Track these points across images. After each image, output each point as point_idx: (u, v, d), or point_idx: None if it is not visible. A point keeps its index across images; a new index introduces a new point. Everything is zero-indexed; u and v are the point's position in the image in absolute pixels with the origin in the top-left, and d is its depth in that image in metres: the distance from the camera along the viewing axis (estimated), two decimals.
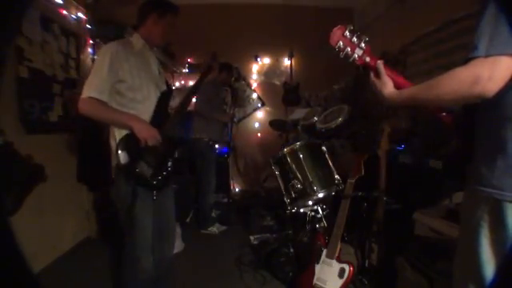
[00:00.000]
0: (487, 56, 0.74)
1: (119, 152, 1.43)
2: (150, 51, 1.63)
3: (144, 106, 1.52)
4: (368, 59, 1.04)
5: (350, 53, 1.03)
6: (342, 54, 1.03)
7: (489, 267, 0.83)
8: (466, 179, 0.93)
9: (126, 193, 1.44)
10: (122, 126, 1.47)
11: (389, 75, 1.03)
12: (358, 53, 1.03)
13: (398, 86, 1.02)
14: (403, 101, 0.99)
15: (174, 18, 1.61)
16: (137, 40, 1.59)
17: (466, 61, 0.79)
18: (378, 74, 1.04)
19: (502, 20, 0.73)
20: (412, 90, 0.97)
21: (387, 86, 1.02)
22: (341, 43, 1.02)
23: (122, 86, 1.47)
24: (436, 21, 2.58)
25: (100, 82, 1.42)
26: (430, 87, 0.88)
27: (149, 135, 1.45)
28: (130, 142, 1.44)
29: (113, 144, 1.49)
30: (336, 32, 1.03)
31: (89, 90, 1.41)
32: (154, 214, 1.52)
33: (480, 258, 0.84)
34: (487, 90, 0.75)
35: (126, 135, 1.46)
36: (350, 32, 1.02)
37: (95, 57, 2.98)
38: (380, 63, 1.03)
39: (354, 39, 1.02)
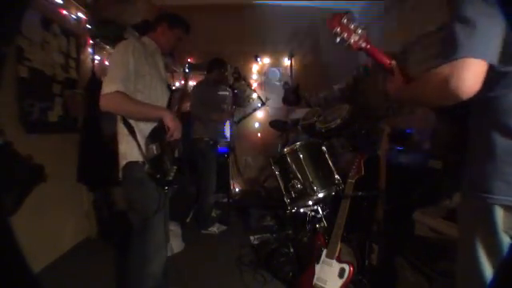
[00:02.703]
0: (453, 60, 0.76)
1: (151, 145, 1.42)
2: (160, 55, 1.69)
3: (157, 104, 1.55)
4: (364, 45, 1.07)
5: (346, 37, 1.06)
6: (338, 39, 1.07)
7: (488, 271, 0.83)
8: (461, 182, 0.93)
9: (151, 196, 1.44)
10: (151, 118, 1.47)
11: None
12: (354, 38, 1.07)
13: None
14: (400, 97, 1.08)
15: (182, 34, 1.72)
16: (149, 42, 1.64)
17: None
18: (392, 72, 1.08)
19: (469, 27, 0.75)
20: (404, 90, 1.03)
21: (397, 82, 1.06)
22: (338, 29, 1.06)
23: (140, 82, 1.47)
24: (436, 21, 2.58)
25: (125, 76, 1.40)
26: (411, 89, 0.97)
27: (177, 127, 1.48)
28: (158, 135, 1.46)
29: (123, 146, 1.48)
30: (334, 18, 1.07)
31: (114, 84, 1.36)
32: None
33: (478, 262, 0.84)
34: (460, 92, 0.76)
35: (156, 128, 1.46)
36: (347, 19, 1.06)
37: (93, 56, 2.98)
38: (394, 62, 1.07)
39: (351, 26, 1.06)
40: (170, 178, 1.48)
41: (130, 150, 1.45)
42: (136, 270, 1.50)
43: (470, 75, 0.75)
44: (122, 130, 1.48)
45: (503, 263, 0.79)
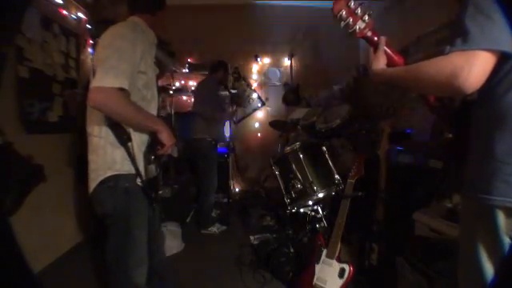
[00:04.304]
0: (467, 50, 0.73)
1: (151, 164, 1.26)
2: (155, 47, 1.44)
3: (150, 107, 1.33)
4: (369, 34, 0.99)
5: (351, 24, 0.97)
6: (342, 24, 0.97)
7: (489, 274, 0.82)
8: (462, 181, 0.91)
9: (135, 208, 1.28)
10: (145, 129, 1.28)
11: (388, 54, 1.00)
12: (359, 25, 0.97)
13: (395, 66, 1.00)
14: (385, 79, 0.98)
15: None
16: (148, 30, 1.35)
17: (446, 53, 0.77)
18: (376, 49, 1.01)
19: (482, 15, 0.72)
20: (394, 70, 0.95)
21: (379, 62, 0.99)
22: (343, 12, 0.96)
23: (140, 80, 1.23)
24: (436, 21, 2.58)
25: (131, 70, 1.15)
26: (410, 71, 0.88)
27: (173, 144, 1.30)
28: (154, 151, 1.28)
29: (107, 154, 1.23)
30: (340, 0, 0.97)
31: (118, 79, 1.09)
32: (149, 221, 1.40)
33: (479, 264, 0.83)
34: (466, 86, 0.73)
35: (152, 144, 1.28)
36: (354, 2, 0.97)
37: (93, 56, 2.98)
38: (383, 39, 1.00)
39: (358, 11, 0.97)
40: (161, 192, 1.37)
41: (119, 161, 1.22)
42: (118, 283, 1.34)
43: (481, 70, 0.72)
44: (105, 134, 1.22)
45: (503, 263, 0.79)
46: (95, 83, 1.09)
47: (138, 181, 1.27)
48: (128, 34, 1.21)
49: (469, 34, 0.72)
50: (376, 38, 1.00)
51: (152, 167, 1.27)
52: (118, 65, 1.11)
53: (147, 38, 1.31)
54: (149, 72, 1.28)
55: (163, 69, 3.15)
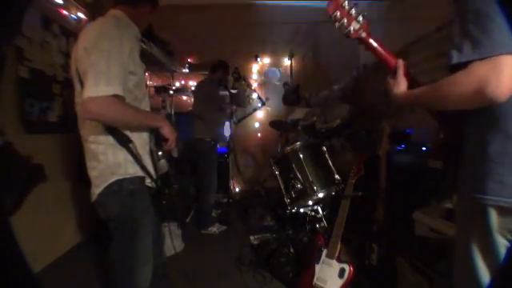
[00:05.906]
0: (486, 58, 0.70)
1: (162, 159, 1.28)
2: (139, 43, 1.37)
3: (141, 106, 1.30)
4: (364, 35, 0.99)
5: (345, 25, 0.97)
6: (337, 25, 0.98)
7: (483, 272, 0.82)
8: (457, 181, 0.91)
9: (141, 209, 1.27)
10: (146, 128, 1.28)
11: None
12: (354, 26, 0.98)
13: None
14: (408, 102, 0.96)
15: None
16: (132, 25, 1.28)
17: (452, 66, 0.75)
18: (394, 73, 0.99)
19: (488, 18, 0.70)
20: (418, 94, 0.92)
21: (400, 85, 0.98)
22: (338, 13, 0.97)
23: (130, 82, 1.19)
24: (436, 21, 2.58)
25: (123, 74, 1.11)
26: (434, 94, 0.85)
27: (175, 138, 1.32)
28: (161, 147, 1.30)
29: (109, 159, 1.19)
30: (335, 1, 0.98)
31: (110, 85, 1.05)
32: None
33: (473, 263, 0.83)
34: (498, 93, 0.69)
35: (158, 139, 1.30)
36: (348, 3, 0.97)
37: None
38: (401, 62, 0.99)
39: (352, 12, 0.98)
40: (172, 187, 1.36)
41: (123, 164, 1.19)
42: (122, 283, 1.31)
43: (509, 74, 0.68)
44: (104, 140, 1.18)
45: (501, 269, 0.79)
46: (88, 93, 1.03)
47: (148, 181, 1.27)
48: (113, 32, 1.13)
49: (483, 42, 0.70)
50: (371, 40, 1.00)
51: (163, 163, 1.30)
52: (108, 69, 1.05)
53: (132, 33, 1.25)
54: (138, 71, 1.23)
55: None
